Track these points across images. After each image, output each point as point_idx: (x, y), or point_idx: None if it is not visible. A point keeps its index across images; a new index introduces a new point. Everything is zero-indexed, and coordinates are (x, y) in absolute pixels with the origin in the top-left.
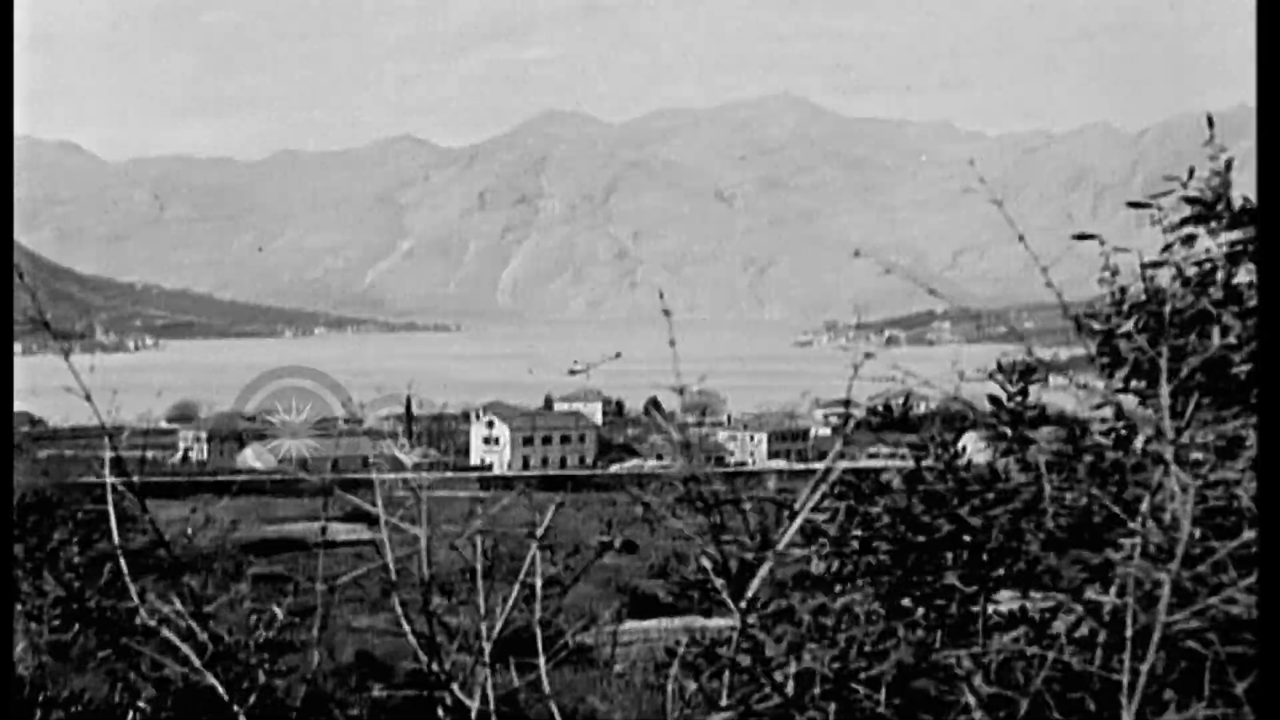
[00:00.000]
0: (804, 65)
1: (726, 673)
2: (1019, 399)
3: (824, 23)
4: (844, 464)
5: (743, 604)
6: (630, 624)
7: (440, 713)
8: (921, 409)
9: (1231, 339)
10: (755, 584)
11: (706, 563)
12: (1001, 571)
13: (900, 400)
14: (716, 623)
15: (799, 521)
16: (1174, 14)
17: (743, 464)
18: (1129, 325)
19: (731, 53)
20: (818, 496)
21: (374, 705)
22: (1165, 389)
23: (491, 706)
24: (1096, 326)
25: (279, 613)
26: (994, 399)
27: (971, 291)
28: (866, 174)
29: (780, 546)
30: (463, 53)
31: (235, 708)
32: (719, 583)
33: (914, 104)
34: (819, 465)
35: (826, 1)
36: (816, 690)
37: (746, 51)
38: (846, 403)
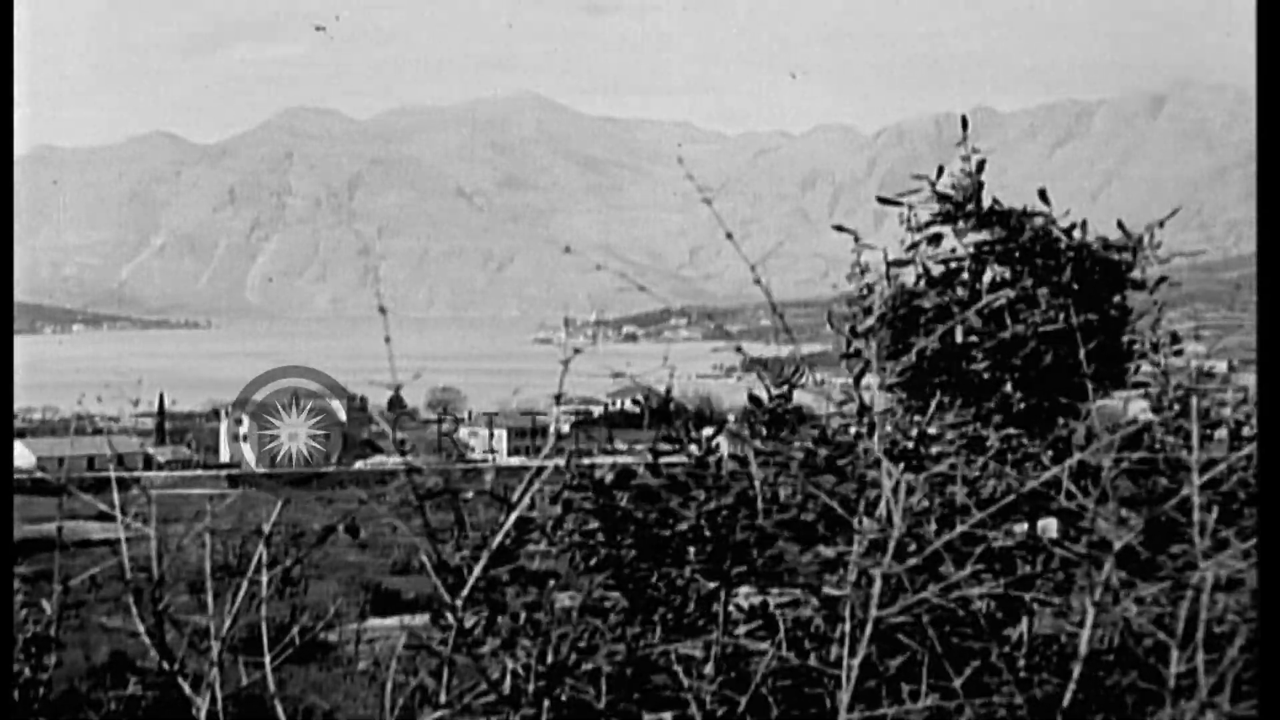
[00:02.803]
0: (547, 65)
1: (445, 670)
2: (781, 400)
3: (569, 22)
4: (560, 460)
5: (458, 600)
6: (373, 621)
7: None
8: (666, 404)
9: (973, 337)
10: (471, 580)
11: (426, 559)
12: (745, 568)
13: (643, 396)
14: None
15: (515, 515)
16: (908, 20)
17: (483, 460)
18: (870, 322)
19: (476, 51)
20: (533, 491)
21: (125, 703)
22: (876, 384)
23: (220, 705)
24: (838, 324)
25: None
26: (754, 398)
27: (708, 289)
28: (605, 173)
29: (496, 542)
30: (213, 50)
31: None
32: (436, 579)
33: (656, 105)
34: (560, 461)
35: (572, 1)
36: (530, 687)
37: (490, 50)
38: (558, 398)
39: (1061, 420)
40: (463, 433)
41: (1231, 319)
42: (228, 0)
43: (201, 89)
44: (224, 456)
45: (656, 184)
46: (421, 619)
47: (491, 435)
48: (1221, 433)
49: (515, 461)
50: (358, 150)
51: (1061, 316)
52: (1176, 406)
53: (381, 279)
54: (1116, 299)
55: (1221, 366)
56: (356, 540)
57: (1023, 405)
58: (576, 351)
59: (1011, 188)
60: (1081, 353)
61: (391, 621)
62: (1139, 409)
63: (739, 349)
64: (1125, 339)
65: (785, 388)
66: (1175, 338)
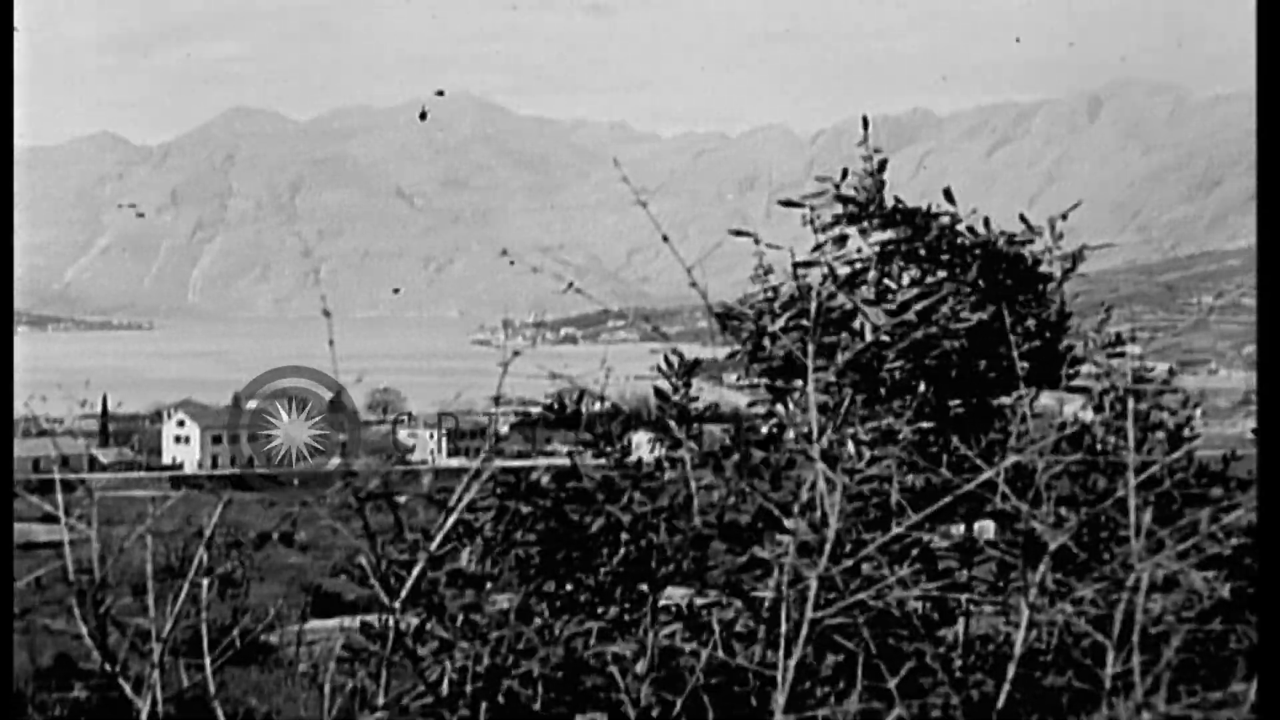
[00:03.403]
0: (486, 65)
1: (383, 672)
2: (684, 394)
3: (506, 22)
4: (499, 462)
5: (397, 603)
6: (315, 623)
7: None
8: (598, 407)
9: (883, 337)
10: (409, 583)
11: (364, 562)
12: (670, 568)
13: (575, 397)
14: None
15: (453, 519)
16: (847, 21)
17: (423, 461)
18: (779, 323)
19: (415, 51)
20: (471, 494)
21: (70, 707)
22: (812, 386)
23: (160, 707)
24: (743, 325)
25: None
26: (660, 393)
27: (646, 291)
28: (544, 174)
29: (435, 546)
30: (157, 49)
31: None
32: (375, 582)
33: (592, 105)
34: (501, 463)
35: (508, 1)
36: (468, 689)
37: (429, 50)
38: (497, 399)
39: (995, 422)
40: (402, 433)
41: (1168, 321)
42: (169, 0)
43: (145, 89)
44: (167, 458)
45: (595, 185)
46: (362, 620)
47: (431, 436)
48: (1160, 435)
49: (455, 463)
50: (299, 151)
51: (974, 314)
52: (1117, 407)
53: (323, 280)
54: (1055, 299)
55: (1161, 369)
56: (293, 546)
57: (942, 404)
58: (516, 354)
59: (951, 189)
60: (1015, 353)
61: (333, 623)
62: (1075, 409)
63: (675, 351)
64: (1064, 344)
65: (686, 379)
66: (1119, 339)
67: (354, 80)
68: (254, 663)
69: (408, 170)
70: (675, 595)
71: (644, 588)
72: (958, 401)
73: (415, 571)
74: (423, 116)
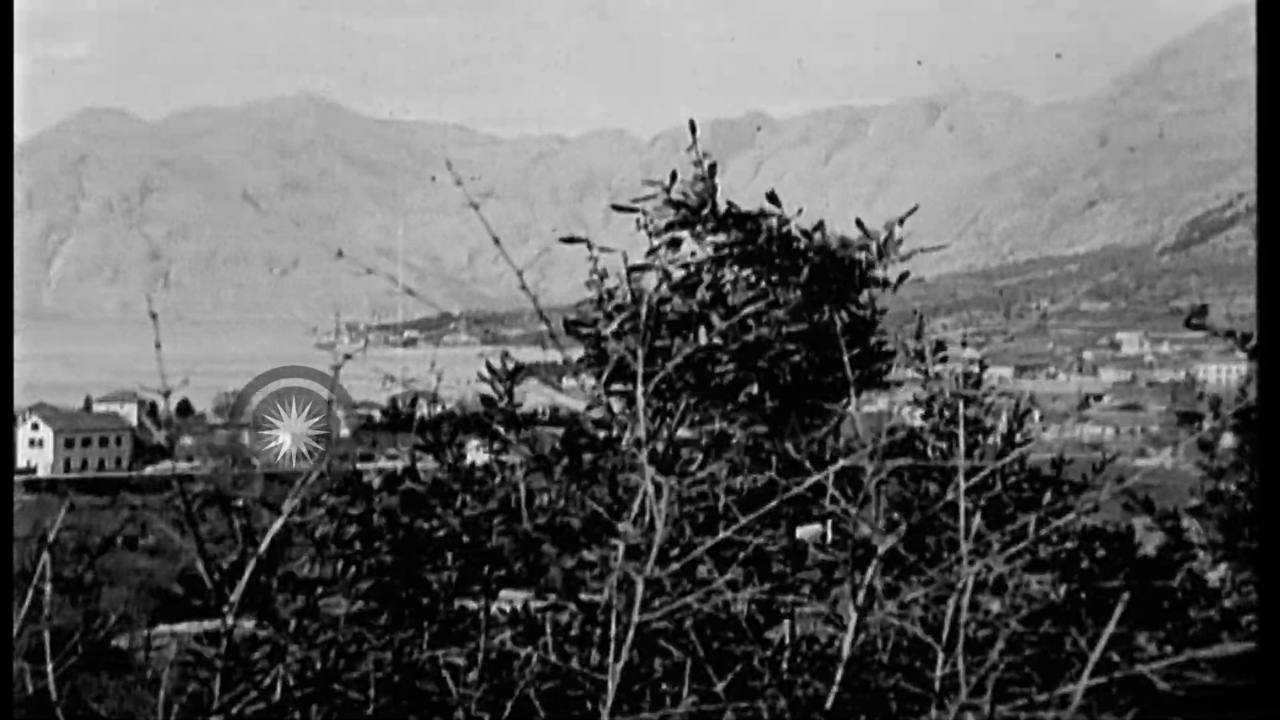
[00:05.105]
0: (327, 66)
1: (217, 678)
2: (508, 398)
3: (344, 23)
4: (324, 464)
5: (228, 608)
6: (164, 627)
7: None
8: (438, 409)
9: (716, 339)
10: (240, 588)
11: (200, 566)
12: (504, 572)
13: (409, 401)
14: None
15: (280, 523)
16: (681, 25)
17: (269, 465)
18: (614, 327)
19: (257, 52)
20: (299, 497)
21: None
22: (641, 390)
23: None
24: (584, 329)
25: None
26: (486, 399)
27: (486, 294)
28: (386, 176)
29: (262, 549)
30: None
31: None
32: (210, 587)
33: (433, 108)
34: (324, 466)
35: (345, 2)
36: (299, 694)
37: (272, 51)
38: (330, 402)
39: (821, 423)
40: (247, 437)
41: (1005, 326)
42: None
43: None
44: (21, 461)
45: (436, 188)
46: (202, 626)
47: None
48: (993, 440)
49: (303, 466)
50: (148, 152)
51: (805, 317)
52: (946, 413)
53: (172, 283)
54: (864, 300)
55: (1005, 372)
56: (136, 549)
57: (773, 407)
58: (347, 357)
59: (786, 193)
60: (845, 356)
61: (181, 628)
62: (905, 413)
63: (503, 354)
64: (875, 339)
65: (509, 385)
66: (940, 345)
67: (200, 81)
68: (106, 669)
69: (252, 172)
70: (518, 599)
71: (475, 590)
72: (785, 404)
73: (245, 576)
74: None
